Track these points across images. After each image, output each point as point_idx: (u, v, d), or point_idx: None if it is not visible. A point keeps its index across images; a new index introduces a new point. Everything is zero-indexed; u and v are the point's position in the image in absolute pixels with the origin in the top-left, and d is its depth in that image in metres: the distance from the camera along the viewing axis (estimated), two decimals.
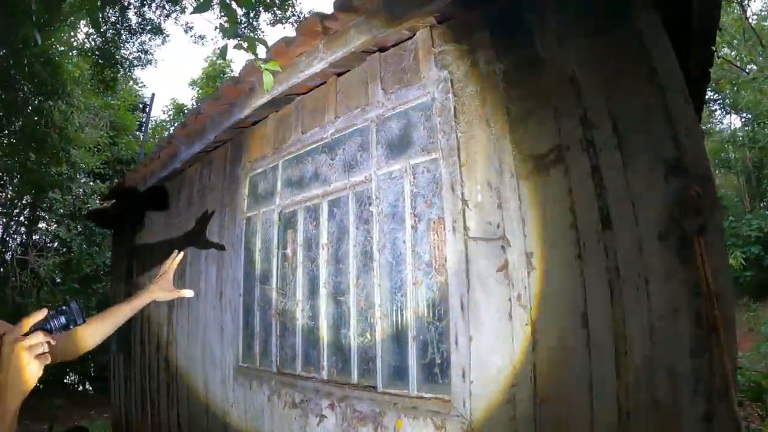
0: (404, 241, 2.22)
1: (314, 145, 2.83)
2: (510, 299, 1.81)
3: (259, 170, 3.32)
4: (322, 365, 2.60)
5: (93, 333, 1.50)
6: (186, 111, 22.58)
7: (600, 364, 1.59)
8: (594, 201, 1.67)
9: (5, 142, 6.80)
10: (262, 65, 1.62)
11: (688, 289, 1.46)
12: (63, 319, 1.19)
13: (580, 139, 1.73)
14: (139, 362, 5.55)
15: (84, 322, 1.21)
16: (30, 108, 6.89)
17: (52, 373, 11.99)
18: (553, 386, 1.68)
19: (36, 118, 6.92)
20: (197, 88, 23.57)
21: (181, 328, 4.30)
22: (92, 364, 12.73)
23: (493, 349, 1.84)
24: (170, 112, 23.63)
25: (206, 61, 23.11)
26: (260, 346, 3.13)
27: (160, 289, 1.72)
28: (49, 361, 1.11)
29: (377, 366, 2.28)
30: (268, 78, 1.56)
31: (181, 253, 1.67)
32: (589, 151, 1.70)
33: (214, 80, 21.99)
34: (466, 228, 1.97)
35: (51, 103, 7.19)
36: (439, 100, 2.15)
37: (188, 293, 1.75)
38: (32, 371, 1.09)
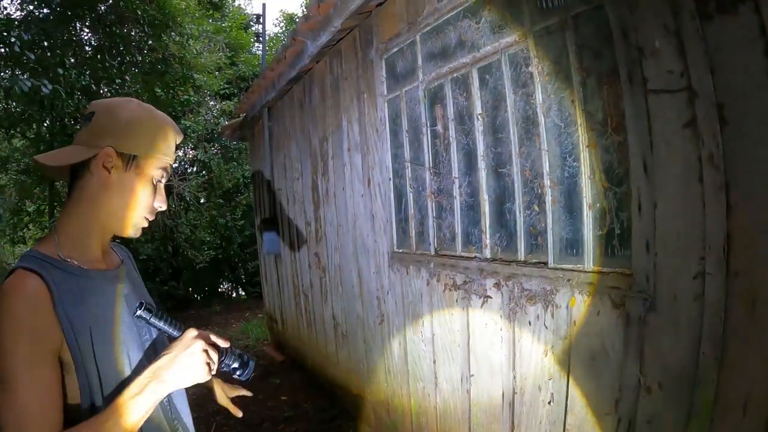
0: (572, 101, 1.98)
1: (454, 12, 2.59)
2: (700, 159, 1.54)
3: (395, 49, 3.17)
4: (485, 243, 2.51)
5: None
6: (296, 19, 22.66)
7: None
8: None
9: (130, 77, 7.21)
10: None
11: None
12: (236, 365, 1.22)
13: None
14: (290, 261, 5.85)
15: (247, 379, 1.26)
16: (148, 43, 7.23)
17: (208, 285, 13.21)
18: (747, 259, 1.44)
19: (155, 52, 7.25)
20: None
21: (330, 223, 4.41)
22: (243, 272, 13.81)
23: (680, 216, 1.61)
24: (281, 24, 23.86)
25: None
26: (415, 229, 3.10)
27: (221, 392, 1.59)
28: (209, 377, 1.13)
29: (548, 239, 2.14)
30: None
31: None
32: None
33: None
34: (644, 79, 1.69)
35: (164, 37, 7.51)
36: None
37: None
38: (196, 370, 1.11)
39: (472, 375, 2.63)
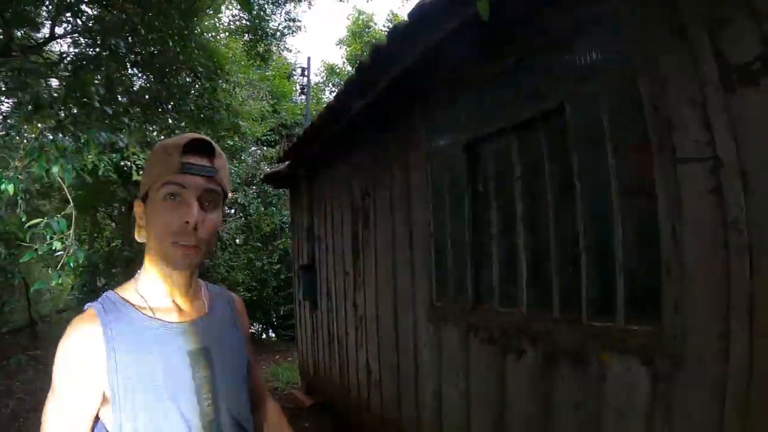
0: (605, 167, 2.17)
1: (495, 77, 2.84)
2: (725, 223, 1.70)
3: (438, 111, 3.41)
4: (521, 300, 2.68)
5: None
6: (336, 69, 23.42)
7: None
8: None
9: (183, 123, 7.65)
10: None
11: None
12: None
13: None
14: (326, 308, 6.02)
15: None
16: (197, 91, 7.67)
17: None
18: None
19: (204, 99, 7.68)
20: (344, 47, 24.32)
21: (369, 274, 4.59)
22: (275, 315, 14.00)
23: (707, 277, 1.77)
24: (322, 74, 24.59)
25: (349, 18, 23.71)
26: (454, 284, 3.28)
27: None
28: None
29: (581, 298, 2.29)
30: (483, 6, 1.52)
31: None
32: None
33: (360, 36, 22.51)
34: (672, 148, 1.88)
35: (213, 84, 7.95)
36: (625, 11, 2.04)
37: None
38: None
39: (505, 429, 2.75)
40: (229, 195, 1.24)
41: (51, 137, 3.11)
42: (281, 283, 12.99)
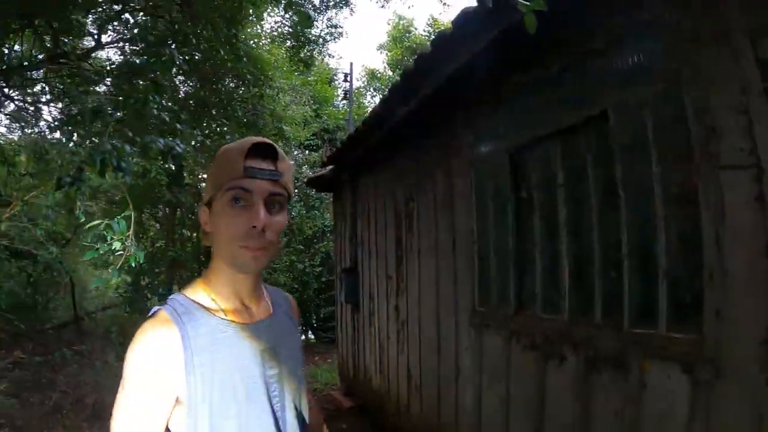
0: (648, 174, 2.19)
1: (538, 85, 2.89)
2: (767, 231, 1.72)
3: (481, 116, 3.48)
4: (563, 306, 2.71)
5: None
6: (377, 74, 23.61)
7: None
8: None
9: (227, 128, 7.86)
10: (524, 1, 1.60)
11: None
12: None
13: None
14: (367, 311, 6.12)
15: None
16: (241, 96, 7.89)
17: None
18: None
19: (249, 104, 7.89)
20: (385, 52, 24.51)
21: (412, 278, 4.65)
22: (315, 316, 14.22)
23: (749, 285, 1.78)
24: (363, 79, 24.83)
25: (389, 23, 23.92)
26: (497, 290, 3.34)
27: None
28: None
29: (623, 305, 2.32)
30: (530, 19, 1.57)
31: None
32: None
33: (401, 41, 22.68)
34: (715, 156, 1.89)
35: (259, 90, 8.14)
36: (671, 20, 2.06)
37: None
38: None
39: None
40: (293, 196, 1.30)
41: (112, 142, 3.28)
42: (322, 285, 13.21)
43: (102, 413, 5.48)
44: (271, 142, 1.19)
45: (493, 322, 3.31)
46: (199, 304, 1.19)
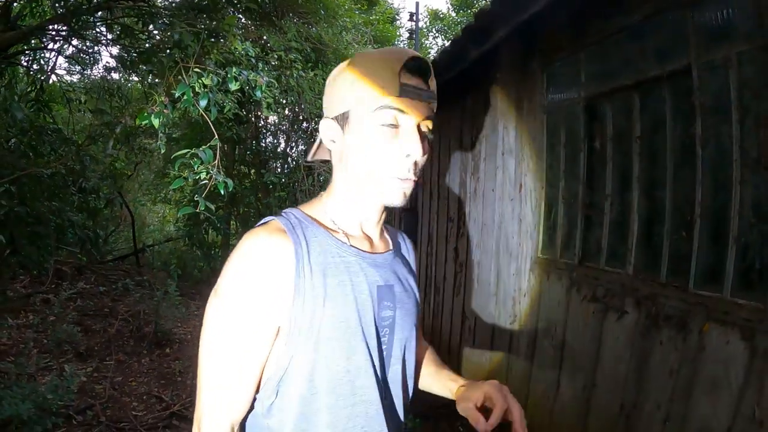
0: (730, 136, 2.17)
1: (620, 33, 2.83)
2: None
3: (558, 63, 3.46)
4: (629, 261, 2.76)
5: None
6: (440, 15, 23.24)
7: None
8: None
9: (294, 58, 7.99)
10: None
11: None
12: None
13: None
14: (425, 252, 6.25)
15: None
16: (305, 34, 7.95)
17: None
18: None
19: (308, 42, 7.93)
20: None
21: (474, 221, 4.74)
22: None
23: None
24: (426, 20, 24.53)
25: None
26: (562, 238, 3.40)
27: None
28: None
29: (691, 265, 2.35)
30: None
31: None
32: None
33: None
34: None
35: (323, 29, 8.30)
36: None
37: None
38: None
39: (595, 386, 2.89)
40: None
41: (199, 74, 3.43)
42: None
43: (162, 340, 5.96)
44: (424, 57, 1.05)
45: (554, 271, 3.39)
46: (318, 221, 1.07)
